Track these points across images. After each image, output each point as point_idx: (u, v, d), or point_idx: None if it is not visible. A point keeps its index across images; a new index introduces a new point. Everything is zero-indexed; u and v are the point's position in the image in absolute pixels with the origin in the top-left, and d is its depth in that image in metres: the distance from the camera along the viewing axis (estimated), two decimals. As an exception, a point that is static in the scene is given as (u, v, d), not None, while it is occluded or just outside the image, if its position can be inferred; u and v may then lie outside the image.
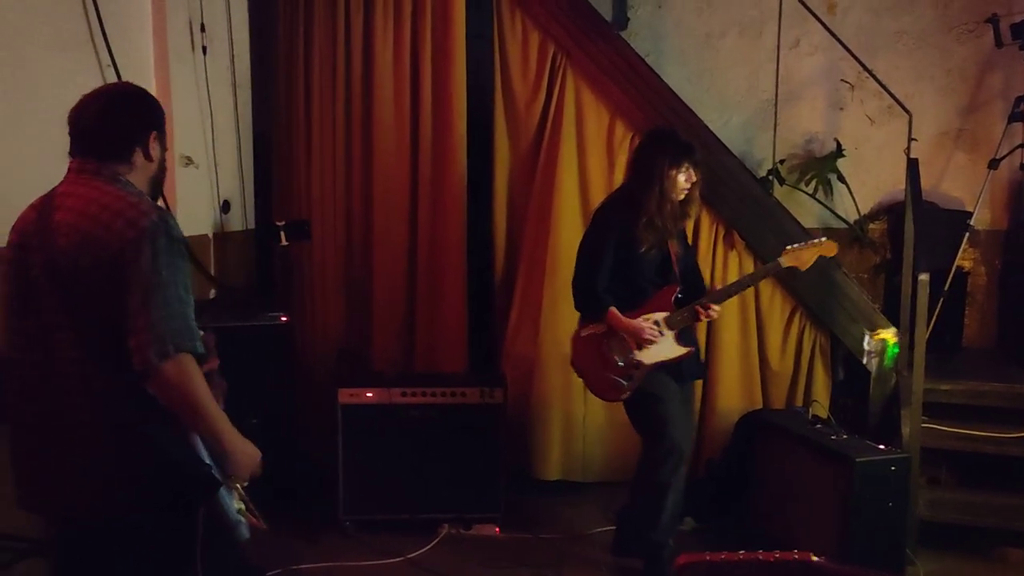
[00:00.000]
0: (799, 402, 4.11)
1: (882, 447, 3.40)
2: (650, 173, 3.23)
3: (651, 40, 4.90)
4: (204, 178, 4.09)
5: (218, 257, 4.19)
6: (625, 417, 3.85)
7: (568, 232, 4.21)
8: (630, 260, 3.29)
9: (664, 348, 3.28)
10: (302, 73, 4.35)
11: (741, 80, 4.92)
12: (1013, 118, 4.43)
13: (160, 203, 2.03)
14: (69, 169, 1.98)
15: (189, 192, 3.93)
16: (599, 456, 4.30)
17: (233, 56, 4.26)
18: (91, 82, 3.31)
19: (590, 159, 4.25)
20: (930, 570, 3.48)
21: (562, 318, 4.18)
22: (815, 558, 1.29)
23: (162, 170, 2.05)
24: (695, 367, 3.47)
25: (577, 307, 3.42)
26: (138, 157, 1.97)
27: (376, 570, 3.48)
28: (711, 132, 4.22)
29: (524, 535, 3.81)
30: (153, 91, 3.63)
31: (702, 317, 3.29)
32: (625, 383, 3.29)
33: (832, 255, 3.43)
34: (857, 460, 3.24)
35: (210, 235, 4.17)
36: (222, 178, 4.22)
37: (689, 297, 3.34)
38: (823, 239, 3.39)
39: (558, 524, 3.95)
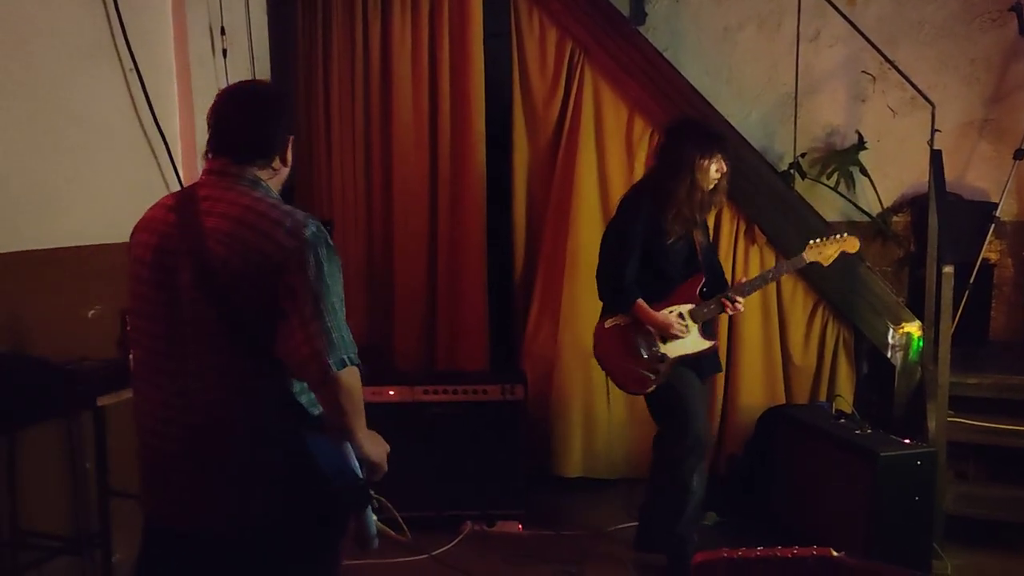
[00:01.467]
0: (822, 397, 4.08)
1: (907, 441, 3.37)
2: (680, 162, 3.19)
3: (669, 35, 4.89)
4: (226, 180, 4.12)
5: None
6: (646, 413, 3.85)
7: (587, 229, 4.21)
8: (658, 251, 3.26)
9: (689, 341, 3.27)
10: (321, 74, 4.38)
11: (760, 73, 4.89)
12: (1039, 107, 4.39)
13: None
14: (208, 169, 1.91)
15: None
16: (621, 452, 4.30)
17: (253, 58, 4.30)
18: (115, 87, 3.38)
19: (609, 155, 4.24)
20: (957, 565, 3.44)
21: (582, 315, 4.18)
22: (835, 553, 1.28)
23: (292, 175, 2.04)
24: (713, 362, 3.45)
25: (602, 298, 3.39)
26: (277, 162, 1.94)
27: (400, 567, 3.50)
28: (731, 126, 4.20)
29: (547, 532, 3.82)
30: (175, 95, 3.73)
31: (728, 310, 3.27)
32: (652, 377, 3.26)
33: (854, 251, 3.42)
34: (882, 454, 3.21)
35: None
36: (244, 180, 4.25)
37: (712, 289, 3.32)
38: (845, 234, 3.38)
39: (580, 520, 3.95)
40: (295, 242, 1.77)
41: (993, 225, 4.42)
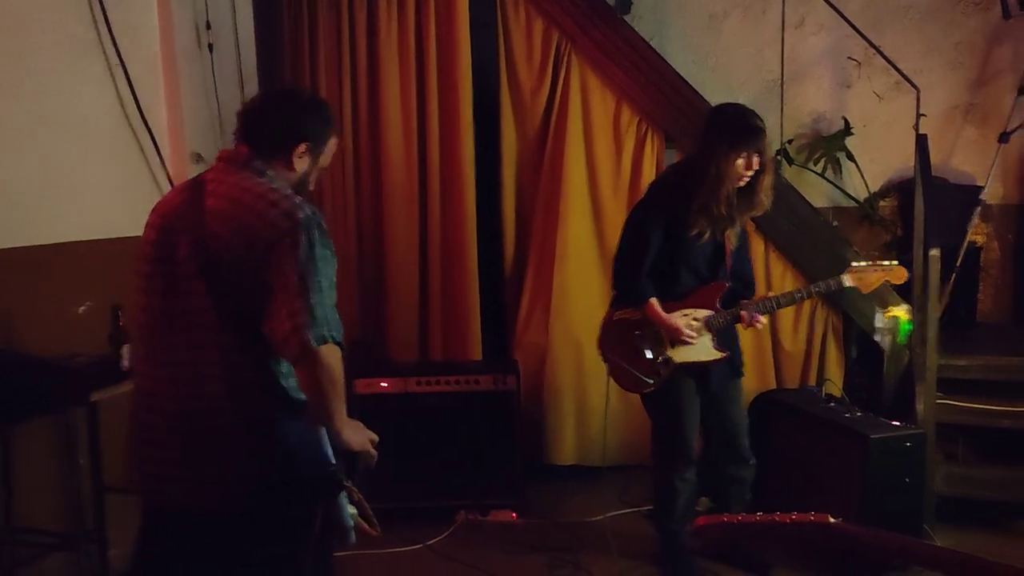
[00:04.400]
0: (812, 381, 4.11)
1: (896, 424, 3.40)
2: (708, 153, 2.95)
3: (654, 23, 4.89)
4: (215, 175, 4.11)
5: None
6: (638, 401, 3.86)
7: (577, 218, 4.23)
8: (680, 245, 3.05)
9: (698, 349, 3.09)
10: (308, 67, 4.36)
11: (746, 61, 4.90)
12: (1023, 91, 4.41)
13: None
14: (219, 156, 2.01)
15: (200, 189, 3.96)
16: (613, 440, 4.31)
17: (239, 52, 4.28)
18: (100, 83, 3.37)
19: (597, 145, 4.25)
20: (948, 544, 3.47)
21: (573, 304, 4.21)
22: (832, 519, 1.31)
23: (302, 183, 2.04)
24: (724, 372, 3.20)
25: (614, 288, 3.24)
26: (280, 163, 1.98)
27: (395, 557, 3.52)
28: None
29: (541, 520, 3.84)
30: (161, 90, 3.71)
31: (744, 324, 3.08)
32: (649, 380, 3.12)
33: (901, 283, 3.23)
34: (872, 437, 3.24)
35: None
36: (232, 174, 4.25)
37: (735, 297, 3.13)
38: (894, 263, 3.15)
39: (574, 508, 3.98)
40: (288, 223, 1.82)
41: (979, 208, 4.46)
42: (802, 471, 3.59)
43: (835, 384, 3.95)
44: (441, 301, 4.39)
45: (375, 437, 2.01)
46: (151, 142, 3.57)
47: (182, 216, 1.91)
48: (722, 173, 2.92)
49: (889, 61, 4.19)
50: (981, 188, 4.51)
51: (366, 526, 2.02)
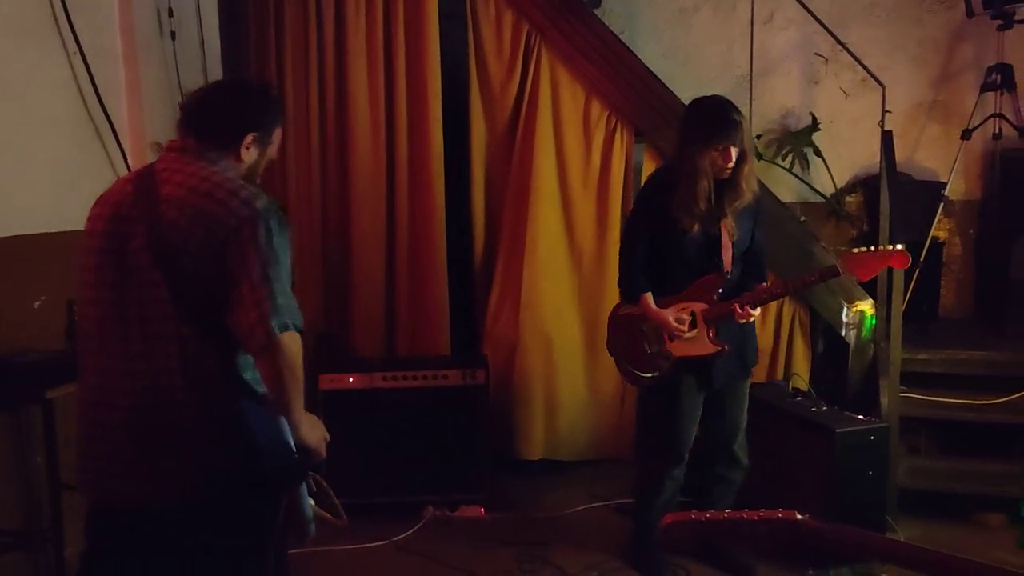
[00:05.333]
0: (779, 376, 4.13)
1: (861, 417, 3.44)
2: (684, 148, 2.95)
3: (625, 17, 4.88)
4: (177, 165, 4.02)
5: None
6: (607, 395, 3.87)
7: (546, 212, 4.21)
8: (668, 241, 3.03)
9: (696, 343, 3.05)
10: (274, 56, 4.29)
11: (716, 56, 4.91)
12: (985, 88, 4.48)
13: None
14: (170, 147, 1.96)
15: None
16: (583, 434, 4.31)
17: (203, 40, 4.19)
18: (58, 70, 3.27)
19: (567, 138, 4.23)
20: (911, 536, 3.53)
21: (542, 298, 4.20)
22: (799, 516, 1.32)
23: (251, 174, 2.01)
24: (733, 370, 3.15)
25: (618, 285, 3.22)
26: (230, 155, 1.96)
27: (362, 554, 3.48)
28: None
29: (510, 515, 3.83)
30: (121, 78, 3.63)
31: (738, 318, 2.99)
32: (644, 375, 3.13)
33: (905, 267, 3.14)
34: (837, 431, 3.27)
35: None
36: (195, 165, 4.16)
37: (740, 288, 3.06)
38: (898, 247, 3.01)
39: (543, 503, 3.97)
40: (248, 211, 1.81)
41: (942, 204, 4.52)
42: (769, 465, 3.60)
43: (802, 378, 3.98)
44: (409, 295, 4.35)
45: (327, 436, 2.00)
46: (111, 132, 3.48)
47: (134, 205, 1.86)
48: (698, 168, 2.90)
49: (855, 58, 4.22)
50: (944, 184, 4.57)
51: (330, 516, 2.00)
